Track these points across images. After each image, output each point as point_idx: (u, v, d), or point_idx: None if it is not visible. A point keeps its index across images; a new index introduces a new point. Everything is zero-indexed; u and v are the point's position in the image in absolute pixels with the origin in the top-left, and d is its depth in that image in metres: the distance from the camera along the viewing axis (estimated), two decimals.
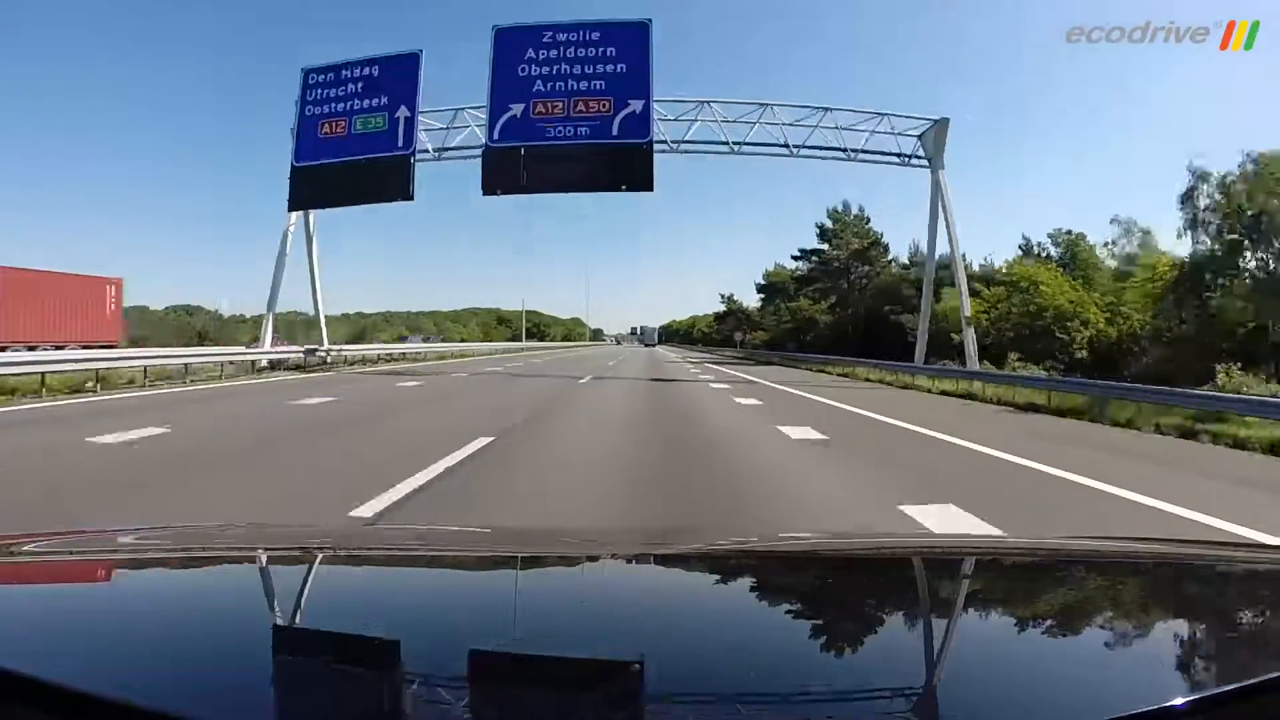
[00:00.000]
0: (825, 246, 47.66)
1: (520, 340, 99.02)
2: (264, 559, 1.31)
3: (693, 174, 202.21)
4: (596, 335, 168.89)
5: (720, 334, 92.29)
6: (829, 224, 47.19)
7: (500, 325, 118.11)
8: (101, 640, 0.84)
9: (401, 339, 48.70)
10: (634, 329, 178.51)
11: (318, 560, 1.34)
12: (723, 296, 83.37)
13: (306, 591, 1.13)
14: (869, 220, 46.64)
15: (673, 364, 39.15)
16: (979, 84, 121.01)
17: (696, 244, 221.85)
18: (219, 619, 0.95)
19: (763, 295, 58.49)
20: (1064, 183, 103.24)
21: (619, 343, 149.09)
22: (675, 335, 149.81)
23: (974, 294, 36.17)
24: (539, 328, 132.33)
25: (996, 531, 4.67)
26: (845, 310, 45.89)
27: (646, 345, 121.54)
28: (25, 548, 1.23)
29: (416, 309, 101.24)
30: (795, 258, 51.27)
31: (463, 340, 66.32)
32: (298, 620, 0.97)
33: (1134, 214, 42.15)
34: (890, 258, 46.58)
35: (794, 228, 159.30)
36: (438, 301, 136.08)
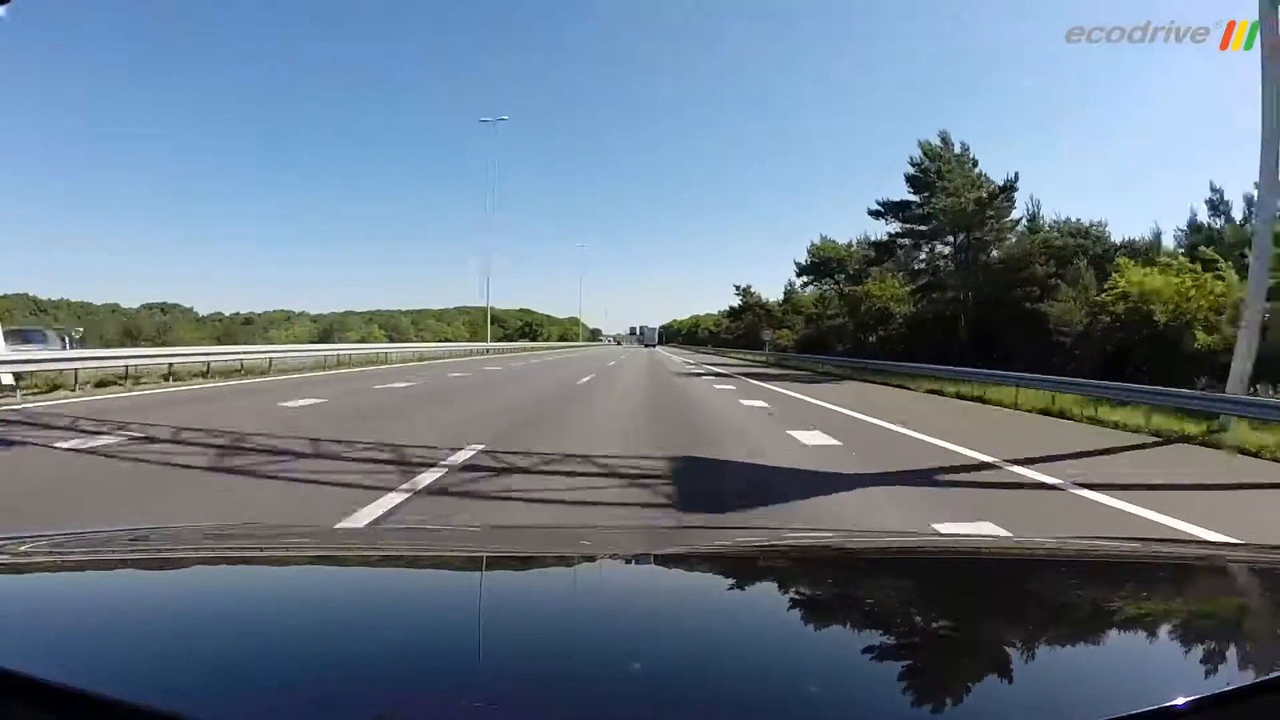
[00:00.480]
0: (917, 198, 30.74)
1: (514, 340, 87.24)
2: (263, 559, 1.31)
3: (697, 161, 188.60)
4: (594, 335, 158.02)
5: (731, 332, 76.45)
6: (926, 164, 30.15)
7: (492, 324, 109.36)
8: (101, 640, 0.82)
9: None
10: (633, 329, 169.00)
11: (316, 561, 1.34)
12: (738, 288, 67.48)
13: (305, 592, 1.11)
14: (976, 162, 30.25)
15: (690, 379, 22.80)
16: (982, 87, 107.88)
17: (702, 237, 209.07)
18: (218, 619, 0.92)
19: (807, 279, 42.06)
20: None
21: (618, 343, 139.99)
22: (677, 335, 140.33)
23: (1205, 263, 20.62)
24: (531, 326, 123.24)
25: None
26: (945, 294, 29.91)
27: (646, 346, 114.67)
28: (25, 548, 1.21)
29: (408, 307, 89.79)
30: (875, 213, 32.56)
31: (447, 340, 53.36)
32: (295, 621, 0.93)
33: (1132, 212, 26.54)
34: (1016, 216, 29.85)
35: (821, 205, 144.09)
36: (428, 300, 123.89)
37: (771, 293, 62.10)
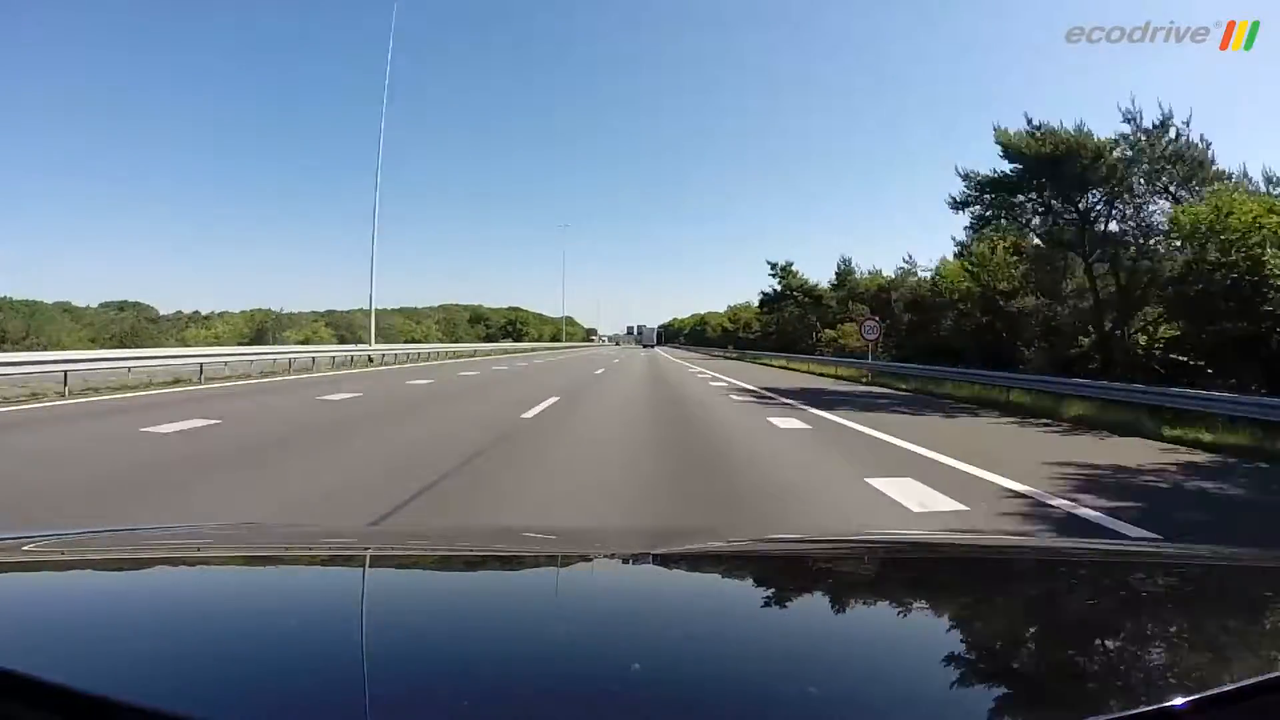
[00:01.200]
0: None
1: (498, 340, 71.15)
2: (264, 559, 1.29)
3: (697, 160, 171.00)
4: (588, 336, 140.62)
5: (754, 331, 57.01)
6: None
7: (476, 323, 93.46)
8: (101, 640, 0.80)
9: None
10: (630, 328, 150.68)
11: (317, 560, 1.31)
12: (773, 266, 47.60)
13: (306, 591, 1.08)
14: None
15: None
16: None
17: (703, 236, 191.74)
18: (219, 619, 0.90)
19: (979, 211, 19.70)
20: None
21: (616, 344, 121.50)
22: (678, 335, 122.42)
23: None
24: (515, 325, 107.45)
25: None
26: None
27: (645, 347, 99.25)
28: (25, 548, 1.19)
29: (395, 305, 74.13)
30: None
31: (413, 340, 35.23)
32: (296, 621, 0.90)
33: None
34: None
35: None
36: (409, 299, 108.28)
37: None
